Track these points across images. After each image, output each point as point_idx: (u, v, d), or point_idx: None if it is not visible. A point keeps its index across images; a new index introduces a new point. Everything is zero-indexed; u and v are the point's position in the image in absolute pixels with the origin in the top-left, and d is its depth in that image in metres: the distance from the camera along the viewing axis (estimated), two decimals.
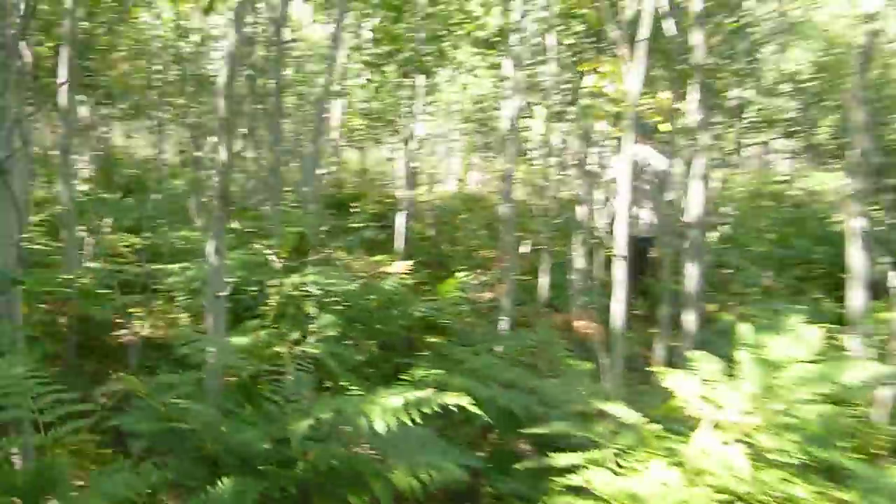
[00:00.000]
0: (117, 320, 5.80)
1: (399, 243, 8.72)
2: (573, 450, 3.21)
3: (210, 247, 4.56)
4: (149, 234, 8.01)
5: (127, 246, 8.10)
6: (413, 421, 2.63)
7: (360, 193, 14.00)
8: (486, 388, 4.23)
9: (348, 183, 16.96)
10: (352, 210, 13.40)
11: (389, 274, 7.04)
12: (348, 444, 2.96)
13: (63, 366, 5.42)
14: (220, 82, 4.36)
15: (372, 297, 5.57)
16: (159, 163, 12.70)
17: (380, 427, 2.57)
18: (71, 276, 5.15)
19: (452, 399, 2.73)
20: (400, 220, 8.66)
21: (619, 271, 3.50)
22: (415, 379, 4.69)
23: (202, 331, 4.67)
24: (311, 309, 5.31)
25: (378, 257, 7.38)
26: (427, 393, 2.76)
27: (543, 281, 8.21)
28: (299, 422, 2.68)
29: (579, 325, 6.65)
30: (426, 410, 2.68)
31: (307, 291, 5.31)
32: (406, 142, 11.06)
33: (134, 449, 2.93)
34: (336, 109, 15.39)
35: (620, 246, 3.47)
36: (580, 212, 7.94)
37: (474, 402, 2.80)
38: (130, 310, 6.28)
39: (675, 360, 6.18)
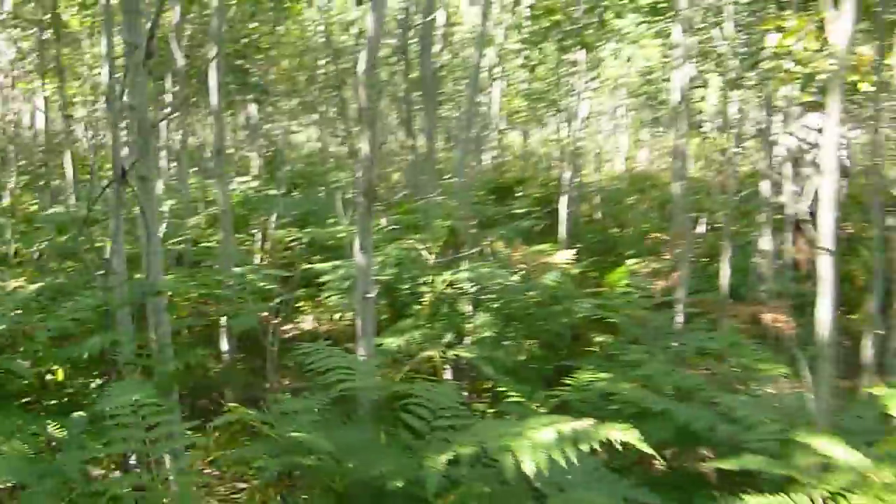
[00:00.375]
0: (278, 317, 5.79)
1: (563, 230, 8.19)
2: (768, 485, 2.63)
3: (357, 244, 4.32)
4: (310, 229, 8.05)
5: (292, 240, 8.18)
6: (568, 460, 2.17)
7: (522, 178, 13.54)
8: (660, 399, 3.70)
9: (512, 167, 16.57)
10: (515, 196, 13.01)
11: (551, 265, 6.57)
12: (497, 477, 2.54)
13: (222, 363, 5.46)
14: (359, 70, 4.08)
15: (532, 292, 5.13)
16: (323, 157, 12.91)
17: (529, 468, 2.14)
18: (222, 277, 5.12)
19: (617, 434, 2.25)
20: (563, 205, 8.13)
21: (825, 267, 2.84)
22: (578, 384, 4.22)
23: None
24: (465, 307, 4.96)
25: (539, 247, 6.91)
26: (585, 424, 2.30)
27: (724, 267, 7.41)
28: (437, 456, 2.31)
29: (768, 318, 5.85)
30: (584, 447, 2.22)
31: (461, 288, 4.97)
32: (569, 121, 10.49)
33: (262, 479, 2.71)
34: (496, 92, 15.04)
35: (826, 237, 2.82)
36: (764, 187, 7.07)
37: (642, 436, 2.30)
38: (297, 304, 6.29)
39: (888, 363, 5.30)
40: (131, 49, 3.45)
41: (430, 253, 5.22)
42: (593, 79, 12.99)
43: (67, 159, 8.81)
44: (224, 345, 5.42)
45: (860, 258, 6.98)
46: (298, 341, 5.57)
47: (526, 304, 5.18)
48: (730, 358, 4.57)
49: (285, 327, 5.64)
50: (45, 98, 9.01)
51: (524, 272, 6.00)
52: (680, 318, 5.99)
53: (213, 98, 5.43)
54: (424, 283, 5.05)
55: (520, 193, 13.12)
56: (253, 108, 11.54)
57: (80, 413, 2.92)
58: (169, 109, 8.18)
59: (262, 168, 11.43)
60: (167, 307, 3.92)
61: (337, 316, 5.45)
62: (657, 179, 11.27)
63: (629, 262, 7.25)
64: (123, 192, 3.86)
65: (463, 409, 3.00)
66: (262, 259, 7.28)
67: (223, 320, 5.23)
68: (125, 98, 3.58)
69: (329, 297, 5.39)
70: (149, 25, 3.48)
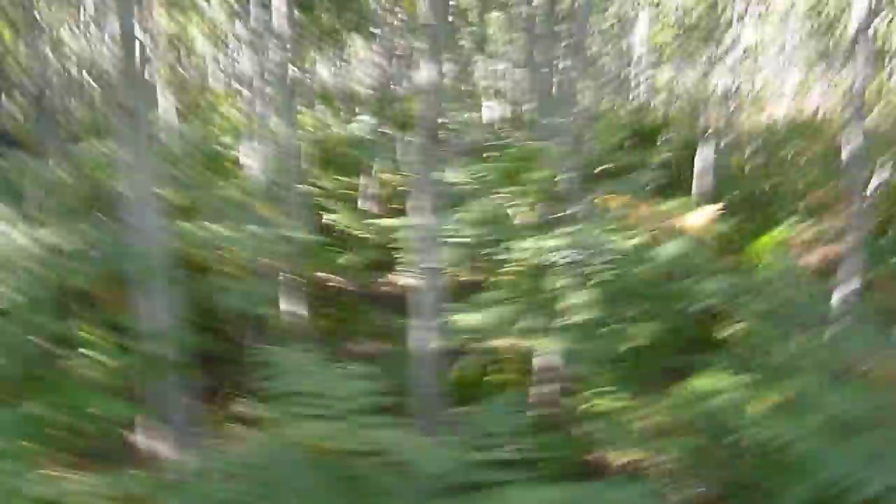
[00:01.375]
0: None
1: (698, 185, 6.85)
2: None
3: (415, 203, 3.45)
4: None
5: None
6: None
7: (666, 121, 12.07)
8: (805, 433, 2.62)
9: (660, 108, 14.96)
10: (658, 142, 11.59)
11: (682, 228, 5.42)
12: None
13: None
14: None
15: (646, 265, 4.08)
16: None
17: None
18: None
19: None
20: (706, 154, 6.80)
21: None
22: (692, 394, 3.20)
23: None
24: (560, 282, 3.99)
25: (669, 204, 5.73)
26: None
27: None
28: None
29: None
30: None
31: (555, 259, 3.99)
32: (725, 54, 9.00)
33: None
34: (642, 22, 13.47)
35: None
36: None
37: None
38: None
39: None
40: None
41: (524, 210, 4.25)
42: (758, 2, 11.24)
43: None
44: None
45: None
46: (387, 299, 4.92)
47: (641, 278, 4.13)
48: None
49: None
50: None
51: (645, 237, 4.91)
52: (846, 299, 4.74)
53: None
54: (511, 249, 4.11)
55: (664, 139, 11.71)
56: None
57: None
58: None
59: (373, 105, 10.68)
60: None
61: None
62: (826, 126, 9.55)
63: (782, 226, 5.94)
64: None
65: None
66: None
67: None
68: None
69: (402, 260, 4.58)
70: None
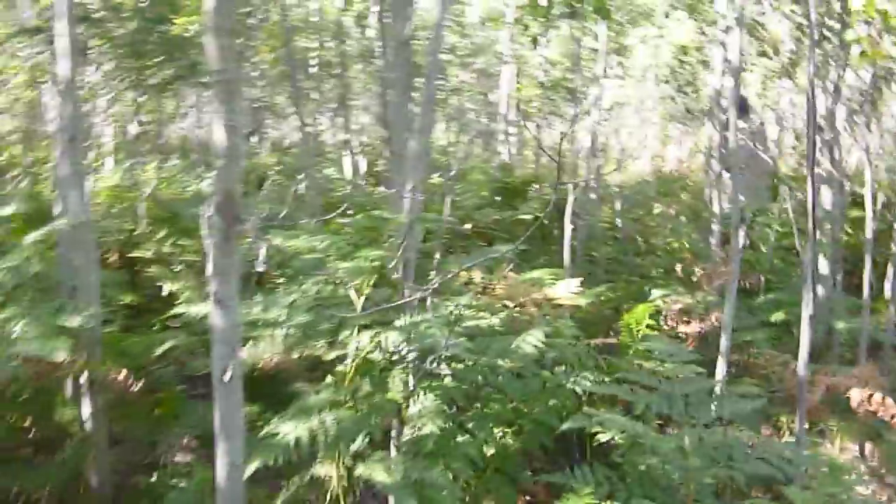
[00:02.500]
0: None
1: (567, 254, 6.35)
2: None
3: (212, 290, 2.67)
4: None
5: None
6: None
7: (534, 178, 11.78)
8: None
9: (526, 164, 14.78)
10: (525, 199, 11.25)
11: (550, 302, 4.86)
12: None
13: None
14: (206, 5, 2.42)
15: (502, 361, 3.41)
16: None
17: None
18: None
19: None
20: (568, 217, 6.34)
21: None
22: None
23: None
24: (400, 383, 3.27)
25: (535, 273, 5.18)
26: None
27: (805, 310, 5.68)
28: None
29: (858, 396, 4.05)
30: None
31: (399, 353, 3.28)
32: (587, 112, 8.77)
33: None
34: (506, 77, 13.29)
35: None
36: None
37: None
38: None
39: None
40: None
41: (360, 293, 3.52)
42: (618, 64, 11.24)
43: None
44: None
45: None
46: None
47: (497, 374, 3.47)
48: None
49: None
50: None
51: (505, 315, 4.29)
52: (721, 372, 4.34)
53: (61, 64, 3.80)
54: (343, 342, 3.37)
55: (533, 195, 11.39)
56: None
57: None
58: None
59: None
60: None
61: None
62: (688, 181, 9.47)
63: (654, 294, 5.51)
64: None
65: None
66: None
67: None
68: None
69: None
70: None
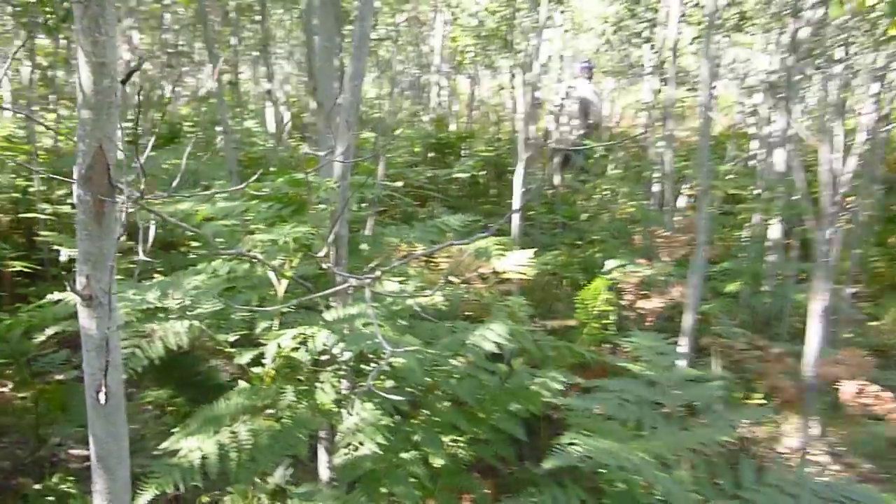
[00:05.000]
0: None
1: (516, 219, 5.79)
2: None
3: (77, 283, 2.01)
4: None
5: None
6: None
7: (468, 133, 11.19)
8: None
9: (459, 118, 14.13)
10: (459, 155, 10.66)
11: (497, 276, 4.32)
12: None
13: None
14: None
15: (454, 361, 2.83)
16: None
17: None
18: None
19: None
20: (519, 175, 5.77)
21: None
22: None
23: None
24: (330, 388, 2.67)
25: (481, 243, 4.62)
26: None
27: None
28: None
29: (829, 372, 3.68)
30: None
31: (329, 353, 2.67)
32: (526, 66, 8.19)
33: None
34: (438, 26, 12.56)
35: None
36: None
37: None
38: None
39: None
40: None
41: (280, 274, 2.88)
42: (559, 12, 10.65)
43: None
44: None
45: None
46: None
47: (446, 372, 2.90)
48: None
49: None
50: None
51: (450, 293, 3.73)
52: (683, 354, 3.93)
53: None
54: (262, 336, 2.74)
55: (465, 153, 10.80)
56: None
57: None
58: None
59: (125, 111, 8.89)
60: None
61: None
62: (636, 139, 9.05)
63: (609, 264, 5.02)
64: None
65: None
66: None
67: None
68: None
69: None
70: None
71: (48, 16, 6.48)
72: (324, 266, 2.43)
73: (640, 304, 4.77)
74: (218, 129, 8.22)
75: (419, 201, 8.69)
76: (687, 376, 2.67)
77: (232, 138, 7.00)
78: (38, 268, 5.79)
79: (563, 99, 8.97)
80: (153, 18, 11.60)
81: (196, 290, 3.00)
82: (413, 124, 12.56)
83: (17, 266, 5.62)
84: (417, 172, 9.21)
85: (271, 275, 2.89)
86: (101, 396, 2.04)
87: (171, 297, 2.92)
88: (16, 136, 8.07)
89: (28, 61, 8.18)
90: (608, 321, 4.75)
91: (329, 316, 2.59)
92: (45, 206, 6.24)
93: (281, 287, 2.92)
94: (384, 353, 1.86)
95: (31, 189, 6.56)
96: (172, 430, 2.70)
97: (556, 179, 8.45)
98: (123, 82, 1.97)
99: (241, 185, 2.50)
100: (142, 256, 1.99)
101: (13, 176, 6.90)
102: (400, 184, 8.81)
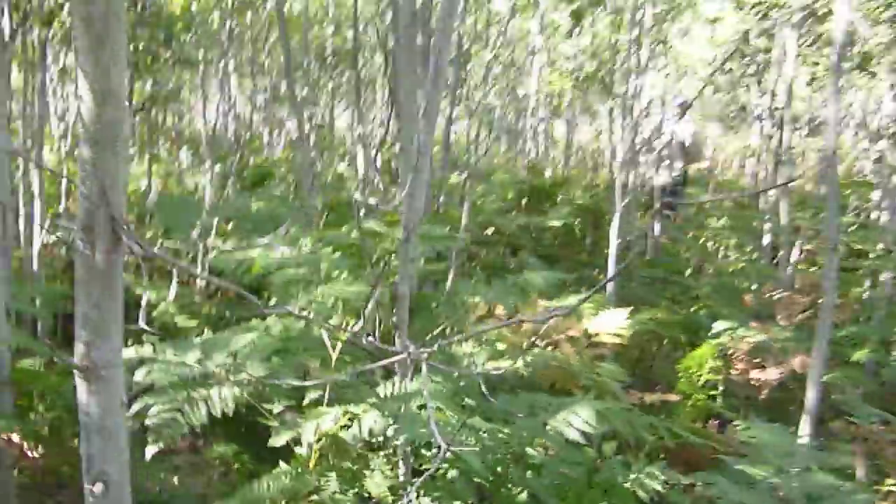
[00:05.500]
0: None
1: (611, 272, 5.25)
2: None
3: (76, 352, 1.70)
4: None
5: None
6: None
7: (563, 179, 10.75)
8: None
9: (555, 164, 13.68)
10: (554, 202, 10.19)
11: (589, 338, 3.86)
12: None
13: None
14: None
15: (531, 448, 2.38)
16: None
17: None
18: None
19: None
20: (616, 228, 5.27)
21: None
22: None
23: None
24: (381, 477, 2.27)
25: (570, 299, 4.16)
26: None
27: None
28: None
29: None
30: None
31: (382, 435, 2.28)
32: (626, 110, 7.74)
33: None
34: (536, 69, 12.24)
35: None
36: None
37: None
38: None
39: None
40: None
41: (334, 337, 2.52)
42: (662, 53, 10.16)
43: None
44: None
45: None
46: None
47: (522, 461, 2.45)
48: None
49: None
50: None
51: (534, 359, 3.28)
52: (806, 433, 3.35)
53: None
54: (305, 412, 2.38)
55: (563, 198, 10.31)
56: None
57: None
58: None
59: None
60: None
61: None
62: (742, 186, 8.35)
63: (717, 327, 4.44)
64: None
65: None
66: None
67: None
68: None
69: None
70: None
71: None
72: (361, 339, 2.05)
73: (754, 374, 4.18)
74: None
75: (510, 249, 8.29)
76: (819, 485, 2.13)
77: (309, 181, 6.83)
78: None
79: (660, 141, 8.44)
80: (254, 64, 11.77)
81: (245, 348, 2.68)
82: (507, 169, 12.20)
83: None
84: (509, 220, 8.81)
85: (325, 338, 2.53)
86: (98, 487, 1.71)
87: (214, 358, 2.61)
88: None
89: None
90: (716, 392, 4.19)
91: (383, 391, 2.20)
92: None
93: (335, 351, 2.56)
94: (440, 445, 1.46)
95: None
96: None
97: (656, 228, 7.91)
98: (136, 113, 1.67)
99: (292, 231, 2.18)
100: (142, 323, 1.65)
101: None
102: (490, 231, 8.42)
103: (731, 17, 9.49)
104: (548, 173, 12.47)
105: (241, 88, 11.93)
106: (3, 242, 3.62)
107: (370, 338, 1.87)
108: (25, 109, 5.03)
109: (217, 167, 8.59)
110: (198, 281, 5.00)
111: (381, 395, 2.20)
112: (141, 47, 5.95)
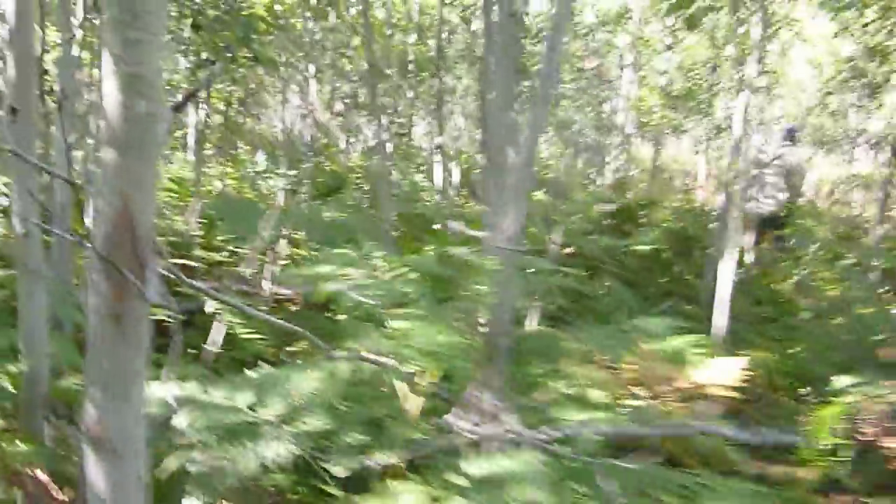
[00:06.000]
0: None
1: (720, 315, 4.62)
2: None
3: (85, 419, 1.31)
4: None
5: None
6: None
7: (648, 200, 10.14)
8: None
9: (639, 184, 13.04)
10: (638, 223, 9.59)
11: (698, 389, 3.34)
12: None
13: None
14: None
15: None
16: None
17: None
18: None
19: None
20: (729, 260, 4.64)
21: None
22: None
23: None
24: None
25: (674, 342, 3.63)
26: None
27: None
28: None
29: None
30: None
31: None
32: (724, 130, 7.14)
33: None
34: (625, 84, 11.66)
35: None
36: None
37: None
38: None
39: None
40: None
41: (412, 393, 2.09)
42: (762, 72, 9.47)
43: None
44: None
45: None
46: None
47: None
48: None
49: None
50: None
51: (636, 412, 2.79)
52: None
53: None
54: (377, 488, 1.96)
55: (648, 220, 9.70)
56: None
57: None
58: None
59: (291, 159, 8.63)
60: None
61: None
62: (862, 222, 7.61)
63: (838, 382, 3.84)
64: None
65: None
66: None
67: None
68: None
69: None
70: None
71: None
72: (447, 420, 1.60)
73: (887, 441, 3.58)
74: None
75: (589, 272, 7.76)
76: None
77: (387, 192, 6.45)
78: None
79: (762, 167, 7.77)
80: (334, 69, 11.56)
81: (306, 394, 2.27)
82: (589, 188, 11.67)
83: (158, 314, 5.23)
84: (591, 241, 8.28)
85: (399, 389, 2.10)
86: None
87: (269, 403, 2.21)
88: (186, 179, 7.99)
89: (205, 104, 8.14)
90: (840, 458, 3.60)
91: (473, 468, 1.76)
92: (201, 253, 5.87)
93: (415, 404, 2.13)
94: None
95: (191, 233, 6.25)
96: None
97: (761, 259, 7.29)
98: (177, 110, 1.29)
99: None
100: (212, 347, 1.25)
101: (174, 219, 6.66)
102: (570, 249, 7.93)
103: (834, 37, 8.78)
104: (629, 194, 11.86)
105: (321, 93, 11.71)
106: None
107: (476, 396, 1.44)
108: None
109: (292, 172, 8.35)
110: (263, 286, 4.68)
111: (472, 473, 1.75)
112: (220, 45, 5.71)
